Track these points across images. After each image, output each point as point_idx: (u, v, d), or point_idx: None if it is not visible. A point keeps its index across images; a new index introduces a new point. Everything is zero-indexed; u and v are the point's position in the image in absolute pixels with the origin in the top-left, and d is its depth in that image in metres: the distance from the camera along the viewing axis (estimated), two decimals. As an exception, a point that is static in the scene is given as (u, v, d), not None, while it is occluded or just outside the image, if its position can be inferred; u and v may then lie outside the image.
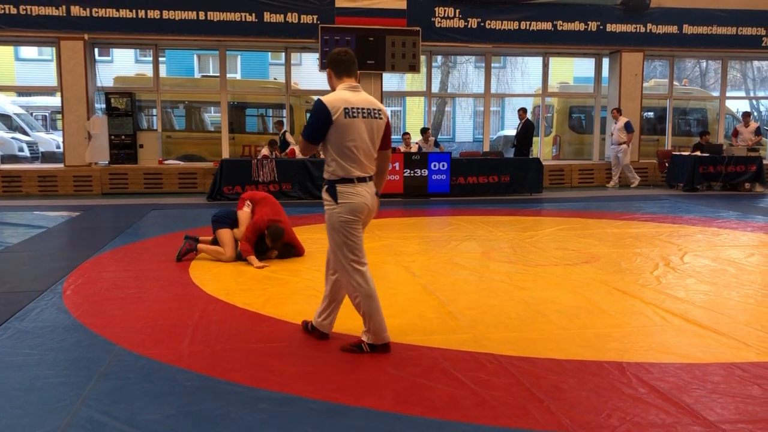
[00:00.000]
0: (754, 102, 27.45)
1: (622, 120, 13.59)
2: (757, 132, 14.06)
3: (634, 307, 4.69)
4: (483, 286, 5.47)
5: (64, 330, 4.14)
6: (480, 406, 3.04)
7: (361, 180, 3.63)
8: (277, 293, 5.12)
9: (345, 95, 3.63)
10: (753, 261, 6.34)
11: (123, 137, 13.09)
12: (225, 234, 6.33)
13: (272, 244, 6.23)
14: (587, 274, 5.79)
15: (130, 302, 4.80)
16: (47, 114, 23.62)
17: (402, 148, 12.48)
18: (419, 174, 11.82)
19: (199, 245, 6.42)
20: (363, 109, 3.62)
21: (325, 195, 3.68)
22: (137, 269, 5.91)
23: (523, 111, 13.56)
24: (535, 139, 17.69)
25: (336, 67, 3.72)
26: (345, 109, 3.56)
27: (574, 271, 5.93)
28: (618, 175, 13.94)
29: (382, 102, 13.37)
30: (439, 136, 23.27)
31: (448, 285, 5.39)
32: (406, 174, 11.77)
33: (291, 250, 6.46)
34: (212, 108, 16.54)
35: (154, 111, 14.28)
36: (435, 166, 11.88)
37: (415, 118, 29.60)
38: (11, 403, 3.05)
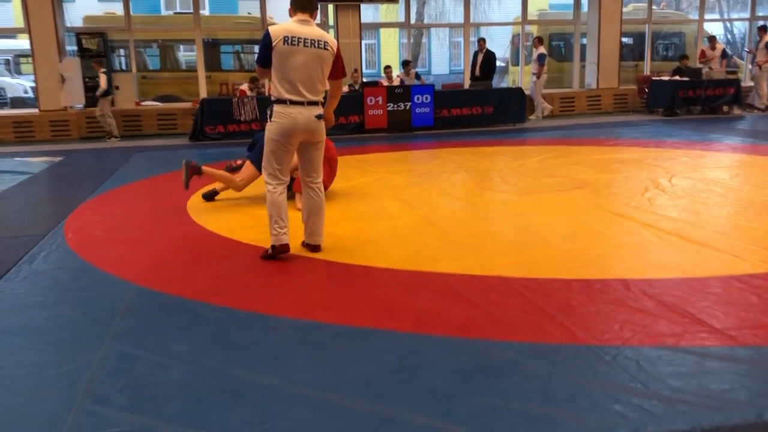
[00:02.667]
0: (728, 24, 27.44)
1: (539, 50, 13.37)
2: (723, 55, 14.12)
3: (630, 228, 4.84)
4: (480, 215, 5.57)
5: (76, 271, 4.18)
6: (497, 324, 3.17)
7: (295, 103, 4.06)
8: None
9: (290, 26, 4.07)
10: (738, 181, 6.52)
11: (97, 79, 12.77)
12: (249, 169, 6.12)
13: None
14: (580, 199, 5.92)
15: (136, 243, 4.83)
16: (10, 58, 22.83)
17: (384, 82, 12.37)
18: (402, 108, 11.77)
19: (204, 168, 6.08)
20: (306, 39, 4.04)
21: (267, 113, 4.18)
22: (135, 211, 5.91)
23: (483, 41, 13.41)
24: (514, 68, 17.64)
25: (293, 4, 4.17)
26: (285, 37, 4.01)
27: (567, 196, 6.05)
28: (541, 105, 13.75)
29: (360, 35, 13.01)
30: (415, 69, 22.98)
31: (446, 215, 5.48)
32: (389, 108, 11.71)
33: None
34: (183, 46, 16.14)
35: (127, 51, 13.89)
36: (418, 99, 11.82)
37: (389, 51, 29.16)
38: (42, 339, 3.12)
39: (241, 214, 5.74)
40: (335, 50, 4.19)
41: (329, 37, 4.18)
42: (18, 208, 6.17)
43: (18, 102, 18.16)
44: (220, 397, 2.51)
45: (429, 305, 3.43)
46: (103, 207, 6.11)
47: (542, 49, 13.45)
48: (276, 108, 4.10)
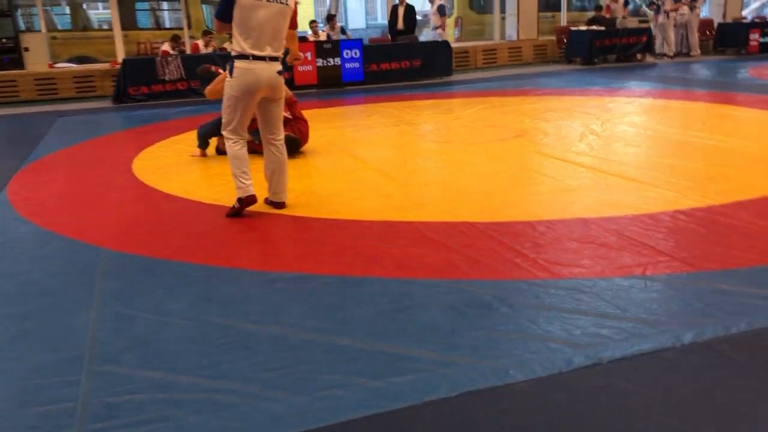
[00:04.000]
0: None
1: (437, 2, 13.57)
2: (625, 3, 14.76)
3: (576, 172, 5.11)
4: (431, 165, 5.73)
5: (37, 239, 4.06)
6: (476, 265, 3.34)
7: (257, 58, 4.06)
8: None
9: None
10: (663, 124, 6.94)
11: (4, 40, 12.06)
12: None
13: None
14: (523, 146, 6.17)
15: (92, 208, 4.72)
16: None
17: (311, 38, 12.22)
18: (332, 63, 11.69)
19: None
20: None
21: (227, 69, 4.17)
22: (79, 176, 5.72)
23: None
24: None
25: None
26: None
27: (510, 145, 6.29)
28: None
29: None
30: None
31: (400, 167, 5.61)
32: (319, 64, 11.59)
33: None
34: (100, 5, 15.35)
35: (35, 10, 13.09)
36: (347, 54, 11.77)
37: (305, 7, 28.64)
38: (25, 308, 3.05)
39: (192, 174, 5.67)
40: (294, 6, 4.24)
41: None
42: (-52, 179, 5.84)
43: None
44: (230, 349, 2.57)
45: (407, 251, 3.57)
46: (42, 174, 5.88)
47: (441, 1, 13.58)
48: (238, 63, 4.08)
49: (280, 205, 4.47)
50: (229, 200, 4.64)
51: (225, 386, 2.31)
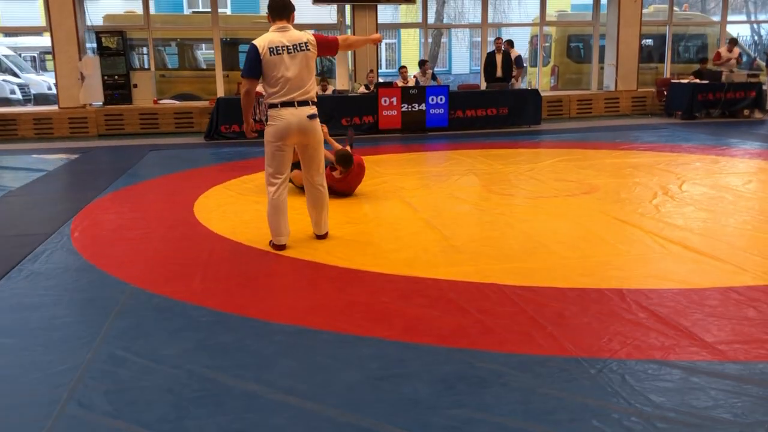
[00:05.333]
0: (755, 26, 26.96)
1: (513, 54, 13.19)
2: (741, 56, 13.93)
3: (633, 236, 4.78)
4: (484, 219, 5.54)
5: (76, 271, 4.23)
6: (486, 333, 3.15)
7: (286, 104, 4.30)
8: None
9: (271, 36, 4.31)
10: (751, 188, 6.41)
11: (116, 77, 12.90)
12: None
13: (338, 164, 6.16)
14: (587, 204, 5.86)
15: (138, 242, 4.88)
16: (36, 55, 23.16)
17: (399, 83, 12.34)
18: (417, 109, 11.72)
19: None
20: (287, 46, 4.28)
21: (264, 118, 4.48)
22: (142, 210, 5.96)
23: (500, 40, 13.31)
24: (533, 69, 17.53)
25: (270, 13, 4.41)
26: (269, 48, 4.26)
27: (574, 202, 6.00)
28: None
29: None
30: (435, 69, 22.91)
31: (450, 219, 5.46)
32: (403, 109, 11.66)
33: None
34: (204, 45, 16.25)
35: (146, 49, 14.03)
36: (433, 100, 11.77)
37: (410, 50, 29.11)
38: (33, 341, 3.16)
39: (245, 214, 5.76)
40: (316, 43, 4.40)
41: (307, 35, 4.41)
42: (29, 206, 6.25)
43: (41, 98, 18.41)
44: (201, 403, 2.52)
45: (420, 312, 3.42)
46: (112, 205, 6.17)
47: (516, 52, 13.34)
48: (270, 112, 4.38)
49: (323, 236, 4.80)
50: (267, 244, 4.69)
51: (179, 444, 2.26)
